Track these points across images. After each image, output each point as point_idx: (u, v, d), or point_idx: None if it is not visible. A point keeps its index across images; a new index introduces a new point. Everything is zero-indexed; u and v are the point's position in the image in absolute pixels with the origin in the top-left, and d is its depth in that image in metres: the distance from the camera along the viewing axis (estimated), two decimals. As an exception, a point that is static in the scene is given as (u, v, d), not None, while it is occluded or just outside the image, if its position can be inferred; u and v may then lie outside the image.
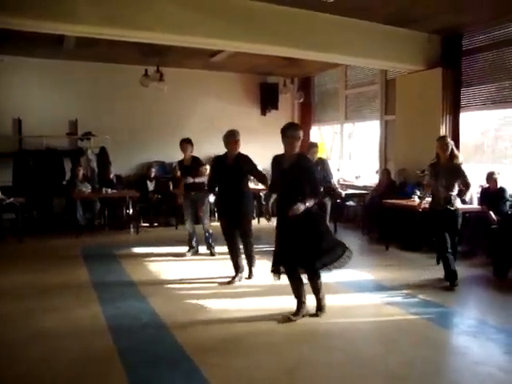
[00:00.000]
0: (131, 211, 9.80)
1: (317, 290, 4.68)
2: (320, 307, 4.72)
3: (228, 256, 6.10)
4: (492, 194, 7.33)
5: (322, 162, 7.85)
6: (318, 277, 4.62)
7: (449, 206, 5.76)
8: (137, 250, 7.79)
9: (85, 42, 8.02)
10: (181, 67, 11.06)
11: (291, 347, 4.05)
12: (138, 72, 10.21)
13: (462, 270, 6.60)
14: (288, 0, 6.86)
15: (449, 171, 5.82)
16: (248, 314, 4.80)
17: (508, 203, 7.22)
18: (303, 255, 4.51)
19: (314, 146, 7.77)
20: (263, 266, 6.81)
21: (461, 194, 5.95)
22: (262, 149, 12.08)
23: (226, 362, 3.74)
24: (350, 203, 10.30)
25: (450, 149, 5.85)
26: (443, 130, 8.39)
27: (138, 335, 4.12)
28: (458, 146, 8.50)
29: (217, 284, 5.88)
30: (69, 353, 3.88)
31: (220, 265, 6.73)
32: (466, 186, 5.87)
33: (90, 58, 9.99)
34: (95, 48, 8.79)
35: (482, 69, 8.24)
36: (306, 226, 4.46)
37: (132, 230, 9.60)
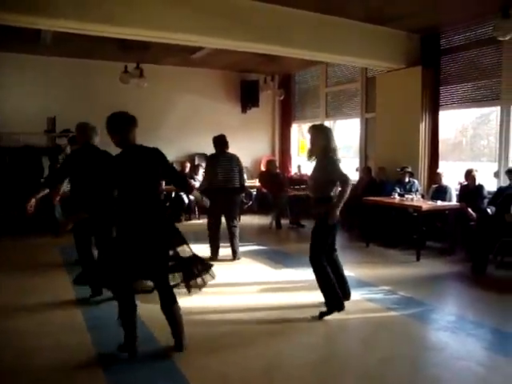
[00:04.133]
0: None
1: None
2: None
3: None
4: (470, 191, 7.42)
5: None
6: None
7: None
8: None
9: (62, 38, 7.90)
10: (161, 64, 10.99)
11: (269, 346, 4.03)
12: (118, 68, 10.11)
13: (441, 266, 6.71)
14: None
15: None
16: (226, 312, 4.79)
17: (486, 200, 7.30)
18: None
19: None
20: (240, 265, 6.83)
21: None
22: (243, 146, 12.14)
23: (205, 360, 3.73)
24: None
25: None
26: (423, 128, 8.48)
27: (119, 336, 4.06)
28: (437, 144, 8.65)
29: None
30: (46, 353, 3.84)
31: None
32: None
33: (68, 53, 9.87)
34: (73, 44, 8.68)
35: (460, 68, 8.34)
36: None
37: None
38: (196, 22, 6.63)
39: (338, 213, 4.52)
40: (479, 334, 4.32)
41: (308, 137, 4.90)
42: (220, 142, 6.93)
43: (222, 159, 6.85)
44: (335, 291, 4.65)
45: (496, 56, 7.73)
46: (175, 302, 3.82)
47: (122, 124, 3.76)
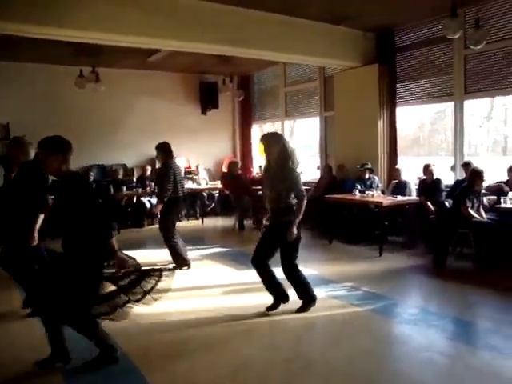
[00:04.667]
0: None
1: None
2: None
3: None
4: (429, 185, 7.57)
5: None
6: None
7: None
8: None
9: (11, 41, 7.62)
10: (118, 67, 10.82)
11: (236, 348, 4.01)
12: (73, 72, 9.89)
13: (403, 260, 6.82)
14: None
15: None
16: (191, 316, 4.73)
17: (444, 194, 7.47)
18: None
19: None
20: (204, 267, 6.78)
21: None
22: (204, 148, 12.10)
23: (172, 366, 3.68)
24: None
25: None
26: (381, 125, 8.61)
27: (80, 345, 3.95)
28: (395, 140, 8.79)
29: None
30: (4, 368, 3.70)
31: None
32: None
33: (20, 58, 9.58)
34: (24, 48, 8.41)
35: (415, 65, 8.53)
36: None
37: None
38: (149, 25, 6.54)
39: (295, 230, 4.51)
40: (441, 324, 4.41)
41: (261, 147, 4.75)
42: (167, 149, 6.68)
43: (176, 167, 6.69)
44: (309, 286, 4.78)
45: (448, 53, 7.94)
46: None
47: (66, 148, 3.62)
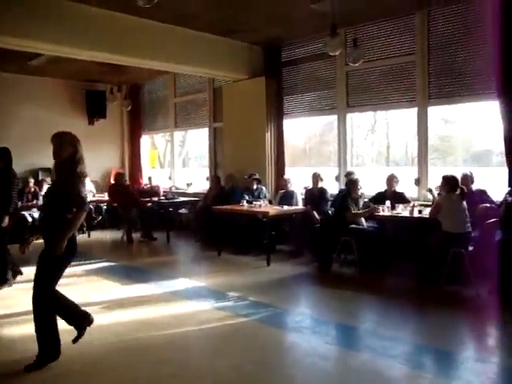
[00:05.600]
0: None
1: None
2: None
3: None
4: (315, 194, 7.82)
5: None
6: None
7: None
8: None
9: None
10: (-6, 70, 10.12)
11: (121, 363, 3.84)
12: None
13: (290, 269, 6.95)
14: (111, 4, 6.66)
15: None
16: (72, 337, 4.45)
17: (329, 203, 7.75)
18: None
19: None
20: (88, 283, 6.46)
21: None
22: (91, 160, 11.59)
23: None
24: (183, 211, 10.27)
25: None
26: (268, 136, 8.78)
27: None
28: (283, 151, 9.00)
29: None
30: None
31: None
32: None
33: None
34: None
35: (301, 79, 8.82)
36: None
37: None
38: (29, 26, 6.21)
39: (64, 244, 3.61)
40: (322, 330, 4.54)
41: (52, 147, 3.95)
42: (9, 155, 6.02)
43: (16, 177, 6.17)
44: (55, 340, 3.82)
45: (331, 69, 8.31)
46: None
47: None
